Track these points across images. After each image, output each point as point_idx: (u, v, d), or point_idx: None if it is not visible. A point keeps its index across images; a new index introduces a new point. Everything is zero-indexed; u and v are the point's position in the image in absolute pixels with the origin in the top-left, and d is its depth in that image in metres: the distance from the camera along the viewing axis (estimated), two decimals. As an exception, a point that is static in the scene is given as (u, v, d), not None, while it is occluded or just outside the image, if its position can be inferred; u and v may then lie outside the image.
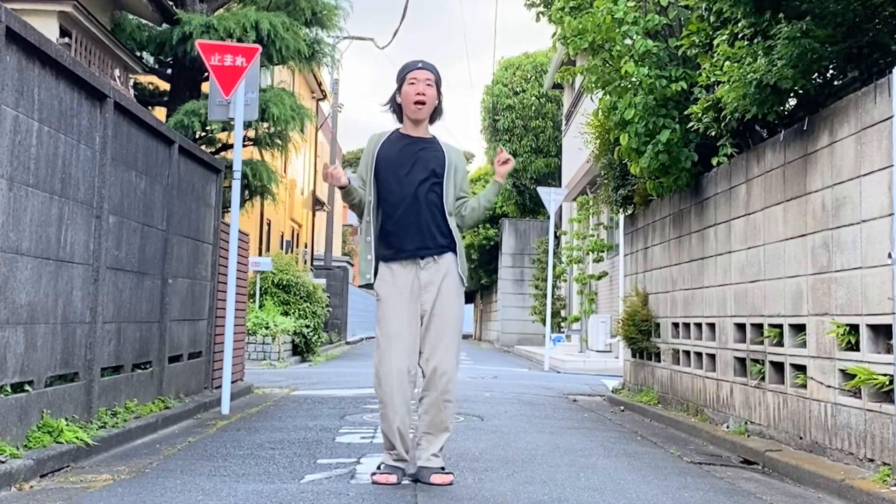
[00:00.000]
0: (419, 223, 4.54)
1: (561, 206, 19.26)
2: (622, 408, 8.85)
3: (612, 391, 10.24)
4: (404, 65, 4.69)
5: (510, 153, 26.60)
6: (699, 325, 7.41)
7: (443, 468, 4.49)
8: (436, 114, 4.69)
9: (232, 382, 7.95)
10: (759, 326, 6.15)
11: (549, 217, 17.27)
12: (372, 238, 4.58)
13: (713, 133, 6.61)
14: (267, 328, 15.62)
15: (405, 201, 4.53)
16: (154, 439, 5.92)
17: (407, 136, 4.66)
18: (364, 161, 4.68)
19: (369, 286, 4.68)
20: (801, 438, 5.46)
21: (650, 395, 8.78)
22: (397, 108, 4.69)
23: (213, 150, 12.19)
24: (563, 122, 24.53)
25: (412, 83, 4.57)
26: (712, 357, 7.09)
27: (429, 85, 4.58)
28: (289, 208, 26.03)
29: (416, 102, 4.56)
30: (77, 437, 4.93)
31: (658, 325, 8.66)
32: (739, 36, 6.03)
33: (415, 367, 4.54)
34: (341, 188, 4.51)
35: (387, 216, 4.58)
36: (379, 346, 4.54)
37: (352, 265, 32.19)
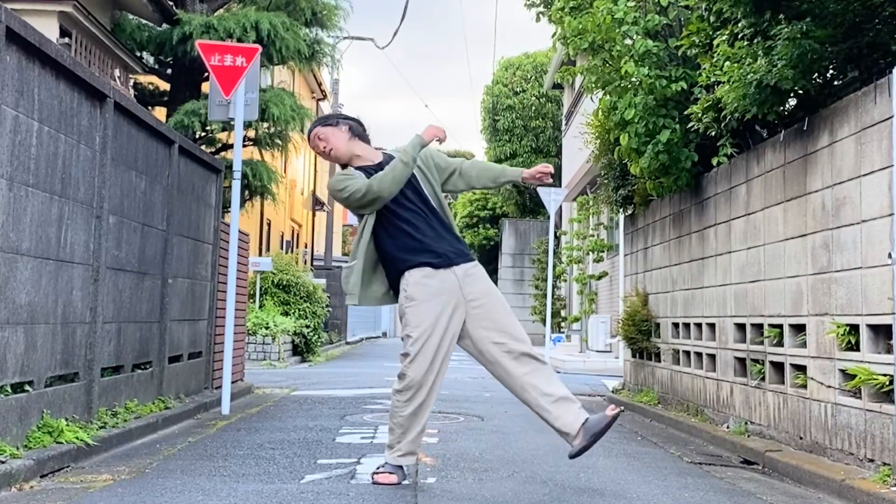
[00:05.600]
0: (439, 232, 4.54)
1: (561, 206, 19.24)
2: (622, 408, 8.84)
3: (612, 391, 10.24)
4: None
5: (510, 153, 26.12)
6: (699, 325, 7.40)
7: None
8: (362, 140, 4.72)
9: (232, 382, 7.95)
10: (759, 326, 6.15)
11: (549, 217, 17.26)
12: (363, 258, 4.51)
13: (713, 133, 6.61)
14: (267, 328, 15.62)
15: (420, 215, 4.52)
16: (154, 439, 5.92)
17: (368, 168, 4.57)
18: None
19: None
20: (801, 438, 5.46)
21: (650, 396, 8.77)
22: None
23: (213, 150, 12.20)
24: (563, 122, 24.52)
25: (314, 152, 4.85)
26: (712, 357, 7.09)
27: (320, 140, 4.66)
28: (289, 208, 26.02)
29: (325, 159, 4.81)
30: (77, 438, 4.93)
31: (658, 325, 8.65)
32: (739, 36, 6.02)
33: None
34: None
35: (404, 228, 4.48)
36: (422, 350, 4.35)
37: (352, 265, 32.03)
